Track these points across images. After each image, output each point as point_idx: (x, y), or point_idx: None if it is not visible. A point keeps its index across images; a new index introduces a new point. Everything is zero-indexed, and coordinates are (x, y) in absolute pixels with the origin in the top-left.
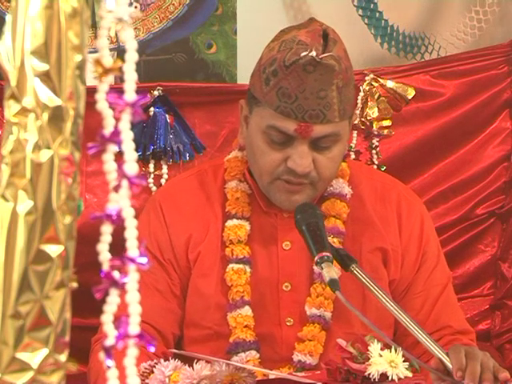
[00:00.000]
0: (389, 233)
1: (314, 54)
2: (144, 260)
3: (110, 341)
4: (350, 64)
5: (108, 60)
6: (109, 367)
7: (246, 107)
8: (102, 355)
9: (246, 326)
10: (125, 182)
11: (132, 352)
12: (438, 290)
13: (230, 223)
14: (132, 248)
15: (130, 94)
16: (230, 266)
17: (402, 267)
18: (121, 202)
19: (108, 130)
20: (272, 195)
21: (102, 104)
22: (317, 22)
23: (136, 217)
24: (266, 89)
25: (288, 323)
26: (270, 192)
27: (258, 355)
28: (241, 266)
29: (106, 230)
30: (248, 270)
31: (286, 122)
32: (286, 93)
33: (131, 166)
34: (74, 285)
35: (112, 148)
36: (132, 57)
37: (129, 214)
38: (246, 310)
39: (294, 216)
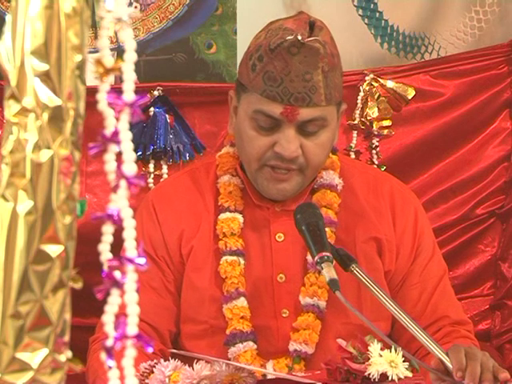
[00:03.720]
0: (382, 223)
1: (299, 37)
2: (142, 260)
3: (110, 341)
4: (337, 52)
5: (109, 60)
6: (110, 367)
7: (235, 97)
8: (103, 355)
9: (242, 317)
10: (123, 183)
11: (130, 353)
12: (435, 282)
13: (222, 216)
14: (130, 248)
15: (129, 94)
16: (224, 258)
17: (397, 259)
18: (119, 202)
19: (109, 130)
20: (259, 183)
21: (104, 104)
22: (305, 14)
23: (134, 217)
24: (252, 75)
25: (284, 315)
26: (257, 180)
27: (255, 346)
28: (234, 258)
29: (108, 230)
30: (242, 261)
31: (272, 105)
32: (271, 76)
33: (130, 167)
34: (79, 284)
35: (113, 148)
36: (131, 57)
37: (127, 215)
38: (242, 301)
39: (287, 210)
